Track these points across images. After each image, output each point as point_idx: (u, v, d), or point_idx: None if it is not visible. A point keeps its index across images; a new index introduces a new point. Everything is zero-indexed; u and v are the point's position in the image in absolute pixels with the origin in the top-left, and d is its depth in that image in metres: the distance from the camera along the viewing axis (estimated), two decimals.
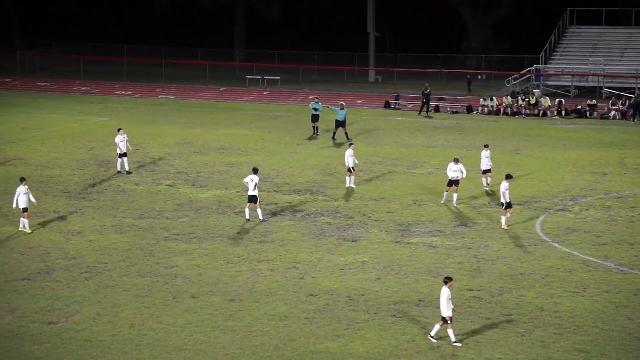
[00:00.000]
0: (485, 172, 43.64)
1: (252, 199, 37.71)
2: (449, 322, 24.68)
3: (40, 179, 45.33)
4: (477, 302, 28.19)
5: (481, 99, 76.46)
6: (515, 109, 74.12)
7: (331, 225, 37.35)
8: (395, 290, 29.27)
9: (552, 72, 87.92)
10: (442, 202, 40.87)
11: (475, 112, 74.47)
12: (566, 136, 61.31)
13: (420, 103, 73.22)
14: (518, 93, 77.14)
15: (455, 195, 40.62)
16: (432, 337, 24.94)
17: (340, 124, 57.90)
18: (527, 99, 75.00)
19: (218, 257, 32.86)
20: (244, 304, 27.99)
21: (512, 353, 24.13)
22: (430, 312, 27.10)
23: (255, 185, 37.60)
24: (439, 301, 27.86)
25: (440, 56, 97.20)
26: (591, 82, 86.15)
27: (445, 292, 24.80)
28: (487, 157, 43.51)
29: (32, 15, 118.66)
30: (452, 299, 28.13)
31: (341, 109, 57.85)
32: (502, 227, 36.85)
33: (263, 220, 37.61)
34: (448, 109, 74.98)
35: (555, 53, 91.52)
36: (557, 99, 75.67)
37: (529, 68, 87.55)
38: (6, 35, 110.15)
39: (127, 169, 46.88)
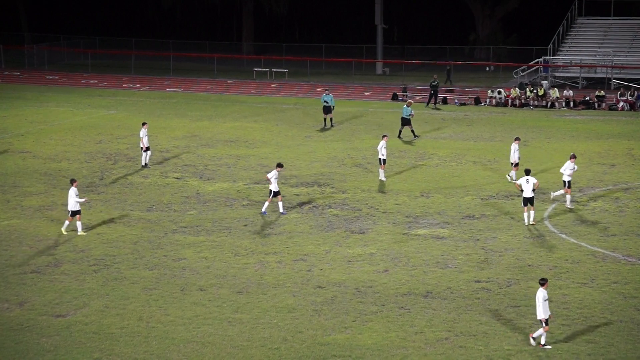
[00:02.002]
0: (515, 165, 43.51)
1: (276, 194, 37.68)
2: (544, 324, 24.09)
3: (48, 172, 45.39)
4: (485, 293, 28.17)
5: (489, 91, 76.33)
6: (523, 101, 73.97)
7: (339, 217, 37.34)
8: (403, 282, 29.26)
9: (561, 64, 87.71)
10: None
11: (483, 104, 74.33)
12: (574, 127, 61.18)
13: (428, 95, 73.17)
14: (526, 84, 76.97)
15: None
16: (535, 340, 24.15)
17: (405, 121, 56.34)
18: (535, 91, 74.84)
19: (226, 249, 32.89)
20: (252, 296, 28.02)
21: (520, 344, 24.13)
22: (438, 303, 27.09)
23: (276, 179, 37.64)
24: (447, 293, 27.92)
25: (448, 48, 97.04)
26: (599, 74, 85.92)
27: (541, 293, 24.12)
28: (516, 150, 43.42)
29: (40, 10, 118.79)
30: (461, 290, 28.21)
31: (408, 106, 57.01)
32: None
33: (282, 213, 37.60)
34: (456, 100, 74.87)
35: (563, 44, 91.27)
36: (566, 91, 75.49)
37: (537, 60, 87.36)
38: (14, 30, 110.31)
39: (146, 162, 46.78)
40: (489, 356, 23.39)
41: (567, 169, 38.75)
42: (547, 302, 24.02)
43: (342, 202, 39.81)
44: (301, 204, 39.31)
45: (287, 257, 31.99)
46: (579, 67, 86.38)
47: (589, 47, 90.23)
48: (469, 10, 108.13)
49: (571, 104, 73.46)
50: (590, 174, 45.41)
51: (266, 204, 37.78)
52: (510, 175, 43.79)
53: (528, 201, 35.85)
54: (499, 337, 24.65)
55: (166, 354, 23.89)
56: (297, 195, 41.00)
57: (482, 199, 40.39)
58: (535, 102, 73.97)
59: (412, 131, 56.01)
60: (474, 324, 25.54)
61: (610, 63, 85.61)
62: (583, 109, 72.70)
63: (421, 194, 41.46)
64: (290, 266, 30.96)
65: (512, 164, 43.71)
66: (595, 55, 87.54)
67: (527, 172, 36.45)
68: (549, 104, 73.57)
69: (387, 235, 34.66)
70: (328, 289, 28.58)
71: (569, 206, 38.62)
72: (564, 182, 38.75)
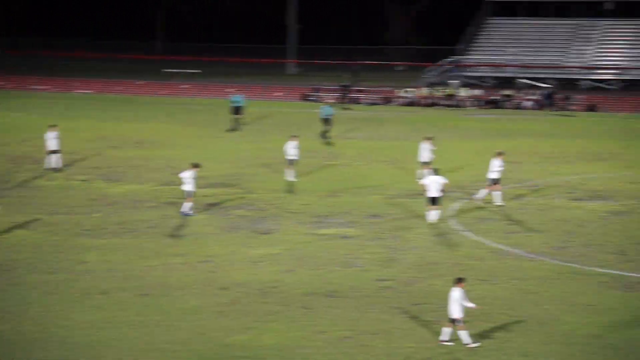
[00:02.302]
0: (425, 164, 43.78)
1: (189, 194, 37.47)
2: (460, 323, 23.94)
3: None
4: (388, 292, 28.29)
5: (399, 90, 76.94)
6: (432, 100, 74.71)
7: (245, 218, 37.26)
8: (307, 282, 29.28)
9: (470, 63, 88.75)
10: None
11: (393, 104, 74.90)
12: (482, 126, 62.01)
13: (339, 95, 73.45)
14: (435, 84, 77.80)
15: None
16: (466, 343, 23.98)
17: (325, 122, 56.45)
18: (444, 90, 75.65)
19: (130, 252, 32.56)
20: (155, 299, 27.77)
21: (421, 341, 24.26)
22: (342, 302, 27.15)
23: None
24: (351, 292, 28.00)
25: (360, 48, 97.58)
26: (508, 73, 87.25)
27: (456, 293, 24.00)
28: (428, 149, 43.69)
29: None
30: (365, 289, 28.31)
31: (327, 106, 57.07)
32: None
33: (183, 213, 37.29)
34: (366, 100, 75.30)
35: (473, 44, 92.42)
36: (474, 90, 76.42)
37: (447, 59, 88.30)
38: None
39: (59, 165, 45.68)
40: (391, 354, 23.49)
41: (494, 166, 39.12)
42: (462, 301, 24.15)
43: (249, 203, 39.73)
44: (208, 205, 39.11)
45: (192, 258, 31.80)
46: (487, 67, 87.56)
47: (498, 47, 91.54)
48: (382, 10, 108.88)
49: (479, 103, 74.42)
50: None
51: (186, 204, 37.54)
52: (420, 173, 44.11)
53: (433, 200, 36.15)
54: (401, 334, 24.77)
55: (65, 358, 23.55)
56: (205, 196, 40.78)
57: (388, 198, 40.66)
58: (444, 101, 74.80)
59: (327, 132, 56.22)
60: (377, 322, 25.64)
61: (518, 62, 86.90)
62: (491, 108, 73.76)
63: (329, 194, 41.60)
64: (195, 268, 30.77)
65: (421, 163, 44.04)
66: (503, 55, 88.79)
67: (435, 172, 36.77)
68: (458, 103, 74.45)
69: (293, 236, 34.68)
70: (232, 290, 28.47)
71: (498, 203, 38.93)
72: (491, 179, 39.08)
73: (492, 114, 68.69)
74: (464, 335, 23.70)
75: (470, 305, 23.97)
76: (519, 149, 52.84)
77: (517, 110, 72.79)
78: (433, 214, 36.17)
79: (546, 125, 64.47)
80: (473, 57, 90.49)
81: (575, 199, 40.41)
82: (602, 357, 22.80)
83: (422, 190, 36.96)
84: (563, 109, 73.79)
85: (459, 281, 24.03)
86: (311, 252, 32.56)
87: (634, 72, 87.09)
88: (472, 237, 34.36)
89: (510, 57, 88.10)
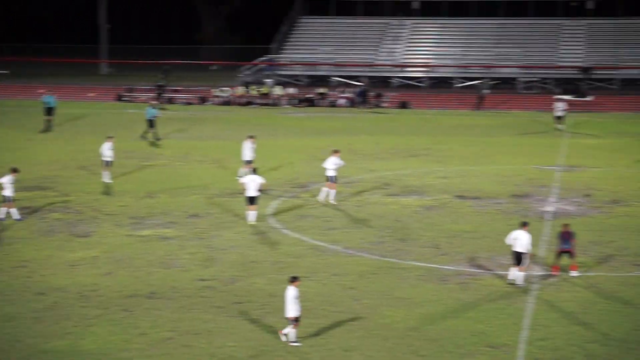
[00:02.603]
0: (248, 162, 43.83)
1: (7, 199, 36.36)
2: (294, 322, 23.92)
3: None
4: (209, 291, 28.24)
5: (214, 90, 76.82)
6: (248, 99, 74.93)
7: (62, 221, 36.47)
8: (127, 284, 28.91)
9: (284, 62, 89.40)
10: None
11: (208, 103, 74.75)
12: (298, 124, 62.58)
13: (154, 95, 72.76)
14: (251, 83, 78.06)
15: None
16: (291, 341, 23.97)
17: (150, 123, 55.49)
18: (259, 89, 75.98)
19: None
20: None
21: (243, 340, 24.32)
22: (162, 304, 26.92)
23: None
24: (171, 292, 27.80)
25: (174, 47, 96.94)
26: (321, 72, 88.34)
27: (291, 292, 23.97)
28: (250, 147, 43.77)
29: None
30: (186, 289, 28.17)
31: (152, 107, 56.07)
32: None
33: (16, 219, 36.25)
34: (182, 100, 74.87)
35: (286, 43, 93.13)
36: (289, 88, 77.07)
37: (262, 58, 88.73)
38: None
39: None
40: (213, 353, 23.45)
41: (331, 164, 39.44)
42: (297, 300, 24.10)
43: (66, 206, 38.91)
44: (22, 209, 38.05)
45: (5, 264, 30.88)
46: (301, 66, 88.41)
47: (311, 45, 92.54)
48: (194, 9, 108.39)
49: (294, 101, 75.09)
50: (313, 170, 46.55)
51: (5, 210, 36.37)
52: (241, 172, 44.18)
53: (251, 200, 36.24)
54: (223, 334, 24.76)
55: None
56: (18, 199, 39.63)
57: (207, 198, 40.57)
58: (260, 100, 75.13)
59: (148, 133, 55.65)
60: (198, 323, 25.55)
61: (332, 61, 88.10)
62: (306, 106, 74.54)
63: (147, 194, 41.17)
64: (9, 273, 29.89)
65: (244, 161, 44.15)
66: (317, 54, 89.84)
67: (254, 171, 36.90)
68: (273, 101, 74.90)
69: (111, 238, 34.17)
70: (49, 295, 27.81)
71: (332, 201, 39.29)
72: (328, 177, 39.42)
73: (308, 112, 69.42)
74: (292, 334, 23.86)
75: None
76: (334, 147, 53.43)
77: (331, 108, 73.79)
78: (251, 214, 36.27)
79: (360, 122, 65.64)
80: (287, 56, 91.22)
81: (391, 195, 41.32)
82: (420, 349, 23.37)
83: (242, 189, 37.02)
84: (376, 106, 75.31)
85: (293, 280, 24.12)
86: (130, 253, 32.15)
87: (441, 69, 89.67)
88: (291, 235, 34.65)
89: (324, 56, 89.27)
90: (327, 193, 39.58)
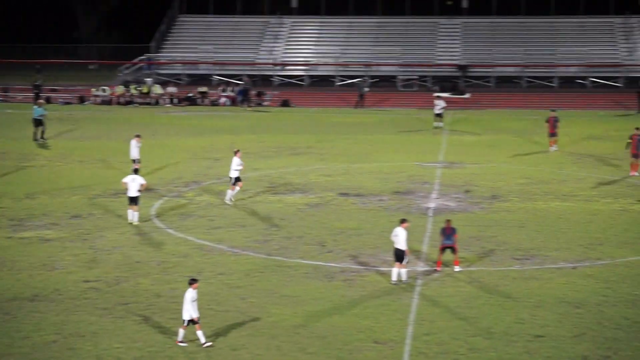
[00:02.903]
0: (134, 161, 43.66)
1: None
2: (197, 323, 23.57)
3: None
4: (94, 293, 27.86)
5: (93, 89, 75.81)
6: (128, 98, 74.18)
7: None
8: (9, 287, 28.31)
9: (164, 61, 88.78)
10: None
11: (88, 103, 73.73)
12: (179, 123, 62.21)
13: (32, 95, 71.40)
14: (130, 82, 77.30)
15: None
16: (180, 342, 23.69)
17: (37, 122, 54.08)
18: (139, 88, 75.29)
19: None
20: None
21: (129, 341, 24.08)
22: (45, 306, 26.45)
23: None
24: (54, 295, 27.35)
25: (51, 46, 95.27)
26: (202, 70, 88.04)
27: (189, 294, 23.66)
28: (137, 146, 43.54)
29: None
30: (70, 291, 27.74)
31: (39, 107, 54.71)
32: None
33: None
34: (60, 99, 73.64)
35: (166, 42, 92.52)
36: (170, 87, 76.56)
37: (141, 57, 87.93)
38: None
39: None
40: (99, 356, 23.16)
41: (234, 165, 39.14)
42: (195, 302, 23.79)
43: None
44: None
45: None
46: (181, 64, 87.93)
47: (191, 44, 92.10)
48: (70, 7, 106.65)
49: (175, 100, 74.63)
50: (196, 169, 46.38)
51: None
52: (133, 170, 43.85)
53: (133, 200, 35.85)
54: (109, 335, 24.46)
55: None
56: None
57: (89, 198, 40.02)
58: (140, 99, 74.46)
59: (42, 132, 54.50)
60: (84, 325, 25.19)
61: (212, 59, 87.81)
62: (187, 105, 74.14)
63: (26, 196, 40.38)
64: None
65: (132, 160, 43.80)
66: (197, 53, 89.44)
67: (135, 172, 36.54)
68: (154, 101, 74.32)
69: None
70: None
71: (227, 202, 39.02)
72: (231, 178, 39.14)
73: (189, 111, 69.03)
74: (181, 334, 23.70)
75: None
76: (217, 146, 53.46)
77: (213, 107, 73.51)
78: (131, 213, 35.86)
79: (242, 121, 65.58)
80: (166, 55, 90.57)
81: (275, 193, 41.40)
82: (308, 346, 23.49)
83: (124, 189, 36.61)
84: (258, 105, 75.35)
85: (192, 282, 23.87)
86: (10, 256, 31.51)
87: (321, 68, 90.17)
88: (176, 235, 34.43)
89: (204, 55, 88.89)
90: (233, 193, 39.42)
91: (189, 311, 23.66)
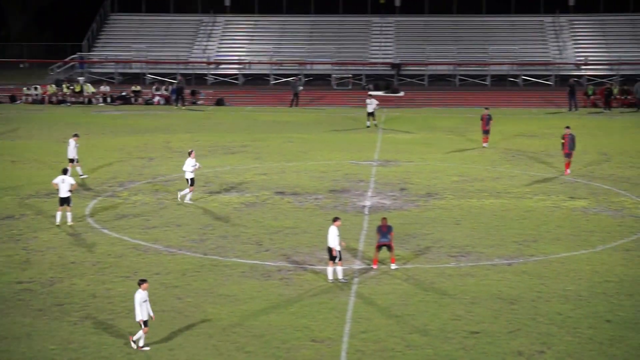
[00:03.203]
0: (72, 160, 43.28)
1: None
2: (142, 326, 23.29)
3: None
4: (28, 294, 27.54)
5: (25, 88, 74.92)
6: (60, 97, 73.44)
7: None
8: None
9: (96, 60, 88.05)
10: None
11: (19, 102, 72.83)
12: (113, 123, 61.71)
13: None
14: (63, 81, 76.56)
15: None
16: (135, 343, 23.26)
17: None
18: (72, 87, 74.56)
19: None
20: None
21: (65, 342, 23.84)
22: None
23: None
24: None
25: None
26: (135, 69, 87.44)
27: (138, 295, 23.29)
28: (75, 146, 43.12)
29: None
30: (3, 293, 27.38)
31: None
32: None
33: None
34: None
35: (98, 40, 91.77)
36: (103, 86, 75.91)
37: (73, 56, 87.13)
38: None
39: None
40: (33, 357, 22.90)
41: (188, 166, 38.77)
42: (146, 303, 23.39)
43: None
44: None
45: None
46: (114, 63, 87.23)
47: (124, 42, 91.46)
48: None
49: (108, 99, 74.05)
50: (130, 168, 46.05)
51: None
52: (72, 171, 43.43)
53: (64, 201, 35.36)
54: (44, 337, 24.20)
55: None
56: None
57: (22, 199, 39.52)
58: (73, 98, 73.75)
59: None
60: (17, 327, 24.89)
61: (145, 58, 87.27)
62: (120, 104, 73.62)
63: None
64: None
65: (70, 160, 43.39)
66: (130, 51, 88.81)
67: (64, 172, 36.04)
68: (87, 100, 73.65)
69: None
70: None
71: (187, 201, 38.72)
72: (187, 179, 38.78)
73: (123, 111, 68.50)
74: (141, 337, 23.34)
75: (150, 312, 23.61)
76: (151, 145, 53.12)
77: (147, 106, 73.03)
78: (66, 215, 35.39)
79: (177, 120, 65.23)
80: (99, 53, 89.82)
81: (211, 192, 41.23)
82: (246, 345, 23.45)
83: (55, 190, 36.18)
84: (192, 103, 75.00)
85: (141, 282, 23.61)
86: None
87: (255, 66, 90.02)
88: (110, 235, 34.15)
89: (137, 53, 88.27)
90: (184, 194, 39.12)
91: (141, 312, 23.27)
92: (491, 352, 23.18)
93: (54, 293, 27.69)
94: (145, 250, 32.22)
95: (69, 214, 35.43)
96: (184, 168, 39.23)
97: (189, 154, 39.44)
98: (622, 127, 62.83)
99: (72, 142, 43.62)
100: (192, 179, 39.12)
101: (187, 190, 39.19)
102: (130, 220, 36.28)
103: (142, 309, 23.37)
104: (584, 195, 40.80)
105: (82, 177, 43.25)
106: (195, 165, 39.17)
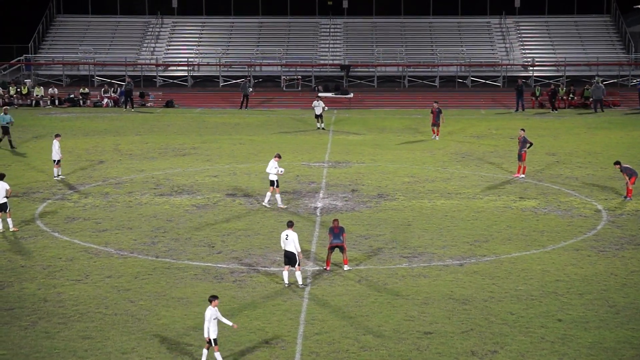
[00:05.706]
0: (58, 162, 43.40)
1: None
2: (213, 344, 22.44)
3: None
4: None
5: None
6: (7, 100, 72.73)
7: None
8: None
9: (43, 62, 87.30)
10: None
11: None
12: (61, 125, 61.19)
13: None
14: (9, 83, 75.83)
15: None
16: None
17: (4, 130, 52.28)
18: (19, 89, 73.88)
19: None
20: None
21: (15, 347, 23.62)
22: None
23: None
24: None
25: None
26: (83, 71, 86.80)
27: (209, 312, 22.39)
28: (58, 147, 42.96)
29: None
30: None
31: (5, 113, 52.80)
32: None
33: None
34: None
35: (44, 42, 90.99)
36: (50, 89, 75.27)
37: (19, 58, 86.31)
38: None
39: None
40: None
41: (272, 168, 38.19)
42: (215, 320, 22.40)
43: None
44: None
45: None
46: (61, 65, 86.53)
47: (71, 44, 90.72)
48: None
49: (56, 102, 73.45)
50: (80, 171, 45.68)
51: None
52: (55, 172, 43.30)
53: (1, 207, 34.56)
54: None
55: None
56: None
57: None
58: (20, 100, 73.08)
59: (1, 141, 52.61)
60: None
61: (92, 60, 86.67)
62: (69, 106, 73.06)
63: None
64: None
65: (54, 161, 43.16)
66: (77, 53, 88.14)
67: (1, 177, 35.18)
68: (34, 102, 73.01)
69: None
70: None
71: (280, 205, 38.46)
72: (271, 181, 38.24)
73: (71, 113, 67.95)
74: (218, 356, 22.55)
75: (228, 322, 22.85)
76: (100, 147, 52.75)
77: (96, 109, 72.52)
78: (3, 221, 34.70)
79: (126, 122, 64.80)
80: (45, 55, 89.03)
81: (161, 195, 41.00)
82: (199, 348, 23.35)
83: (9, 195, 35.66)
84: (141, 105, 74.58)
85: (212, 299, 22.63)
86: None
87: (204, 68, 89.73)
88: (61, 238, 33.85)
89: (84, 55, 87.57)
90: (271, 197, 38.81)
91: (210, 330, 22.43)
92: (445, 353, 23.31)
93: (4, 297, 27.40)
94: (97, 253, 31.98)
95: (9, 220, 34.83)
96: (268, 170, 38.72)
97: (276, 156, 38.80)
98: (569, 127, 63.46)
99: (56, 143, 43.31)
100: (276, 181, 38.52)
101: (269, 194, 38.65)
102: (80, 223, 35.98)
103: (212, 326, 22.46)
104: (533, 196, 41.17)
105: (58, 177, 43.23)
106: (278, 169, 38.45)
